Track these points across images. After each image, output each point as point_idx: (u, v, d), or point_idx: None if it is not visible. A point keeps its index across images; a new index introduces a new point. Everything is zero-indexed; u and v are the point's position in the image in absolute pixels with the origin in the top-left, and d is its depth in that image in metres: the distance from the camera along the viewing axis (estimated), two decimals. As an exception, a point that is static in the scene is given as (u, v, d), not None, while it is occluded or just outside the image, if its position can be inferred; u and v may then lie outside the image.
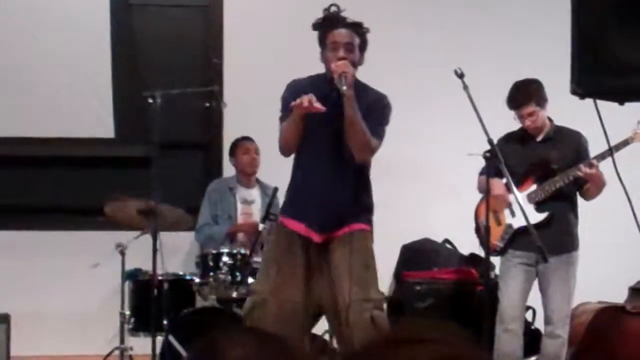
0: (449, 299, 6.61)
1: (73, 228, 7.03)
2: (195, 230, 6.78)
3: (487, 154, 5.49)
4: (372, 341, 1.42)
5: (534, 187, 5.83)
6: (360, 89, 4.89)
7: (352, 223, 4.94)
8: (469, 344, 1.37)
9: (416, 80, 7.38)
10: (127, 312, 6.17)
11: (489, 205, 5.56)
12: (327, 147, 4.86)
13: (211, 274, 6.04)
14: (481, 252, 6.09)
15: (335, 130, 4.80)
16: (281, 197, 6.48)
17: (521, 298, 5.83)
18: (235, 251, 6.13)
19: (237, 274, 6.03)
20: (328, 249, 4.91)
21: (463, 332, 1.41)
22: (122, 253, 6.24)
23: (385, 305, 7.02)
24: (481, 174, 6.03)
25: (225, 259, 6.07)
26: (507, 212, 5.94)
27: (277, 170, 6.88)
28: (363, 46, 4.95)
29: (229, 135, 7.22)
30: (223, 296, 6.06)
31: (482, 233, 5.91)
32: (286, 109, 4.93)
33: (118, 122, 7.12)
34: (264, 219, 6.23)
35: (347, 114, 4.71)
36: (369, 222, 5.07)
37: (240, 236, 6.68)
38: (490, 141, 5.43)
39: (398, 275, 7.12)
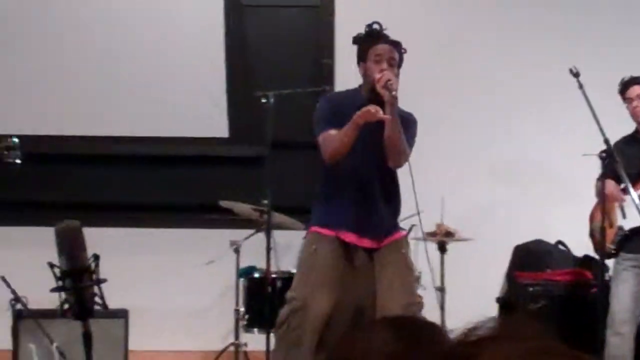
0: (562, 301, 6.53)
1: (189, 226, 7.14)
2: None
3: (603, 154, 5.42)
4: (463, 339, 1.42)
5: None
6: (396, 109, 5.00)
7: (396, 231, 5.15)
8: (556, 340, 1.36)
9: (532, 81, 7.31)
10: (242, 309, 6.25)
11: (605, 207, 5.49)
12: (365, 157, 4.99)
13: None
14: (595, 256, 6.04)
15: (372, 142, 4.93)
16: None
17: (632, 301, 5.73)
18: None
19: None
20: (374, 256, 5.04)
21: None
22: (237, 251, 6.33)
23: (497, 306, 7.03)
24: (599, 179, 5.96)
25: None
26: (619, 213, 5.85)
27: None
28: (400, 64, 5.15)
29: (340, 135, 7.23)
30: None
31: (596, 236, 5.85)
32: (327, 121, 5.03)
33: (231, 121, 7.21)
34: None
35: (390, 122, 4.85)
36: (403, 230, 5.31)
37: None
38: (606, 141, 5.37)
39: (510, 276, 7.07)
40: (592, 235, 6.00)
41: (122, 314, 5.79)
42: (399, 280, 4.99)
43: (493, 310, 7.07)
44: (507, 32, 7.43)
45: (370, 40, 5.09)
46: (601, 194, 5.59)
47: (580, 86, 5.49)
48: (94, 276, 3.53)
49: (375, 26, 5.14)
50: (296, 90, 6.48)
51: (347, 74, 7.31)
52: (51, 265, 3.48)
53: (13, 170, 7.08)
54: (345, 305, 4.95)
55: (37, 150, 7.09)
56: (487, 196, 7.24)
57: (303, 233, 6.85)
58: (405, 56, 7.26)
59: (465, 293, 6.68)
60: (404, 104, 6.92)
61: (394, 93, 4.80)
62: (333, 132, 4.94)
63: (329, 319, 4.90)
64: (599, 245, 5.83)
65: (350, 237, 5.03)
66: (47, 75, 7.23)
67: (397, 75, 5.04)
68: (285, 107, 6.45)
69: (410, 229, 6.02)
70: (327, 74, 7.34)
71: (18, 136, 6.92)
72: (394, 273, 4.99)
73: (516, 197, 6.99)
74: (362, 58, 5.11)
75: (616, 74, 6.06)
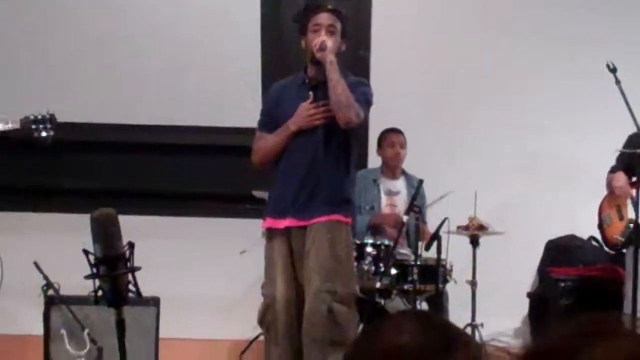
0: (593, 296, 6.50)
1: (222, 215, 7.16)
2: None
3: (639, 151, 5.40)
4: (563, 334, 1.40)
5: None
6: (343, 75, 4.97)
7: (330, 213, 4.96)
8: None
9: (564, 75, 7.28)
10: (273, 299, 6.26)
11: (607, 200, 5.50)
12: (306, 143, 4.93)
13: (355, 263, 6.07)
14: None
15: (313, 127, 4.90)
16: (427, 189, 6.53)
17: None
18: (379, 242, 6.15)
19: (381, 264, 6.06)
20: (304, 237, 4.95)
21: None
22: (269, 240, 6.33)
23: (528, 301, 6.99)
24: (610, 172, 5.95)
25: (369, 249, 6.10)
26: (630, 206, 5.80)
27: (424, 161, 6.92)
28: (345, 33, 5.09)
29: (374, 127, 7.22)
30: (366, 286, 6.07)
31: (603, 227, 5.84)
32: (263, 122, 5.08)
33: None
34: (408, 211, 6.24)
35: (330, 77, 4.82)
36: (347, 214, 5.07)
37: (387, 228, 6.68)
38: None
39: (542, 271, 7.04)
40: (600, 227, 5.98)
41: (153, 302, 5.80)
42: (317, 264, 4.88)
43: (524, 305, 7.05)
44: (537, 26, 7.40)
45: (309, 11, 5.06)
46: (609, 186, 5.63)
47: (617, 82, 5.46)
48: (129, 264, 3.54)
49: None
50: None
51: (383, 66, 7.34)
52: (86, 252, 3.49)
53: (48, 157, 7.16)
54: (296, 293, 4.94)
55: (74, 137, 7.14)
56: (520, 190, 7.21)
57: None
58: (442, 46, 7.32)
59: (497, 287, 6.68)
60: (442, 100, 6.93)
61: (321, 54, 4.81)
62: (267, 135, 4.95)
63: (299, 307, 4.87)
64: (604, 236, 5.85)
65: (277, 223, 5.01)
66: (82, 63, 7.27)
67: (340, 44, 5.03)
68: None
69: (442, 222, 6.01)
70: (363, 65, 7.33)
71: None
72: (313, 257, 4.90)
73: (549, 192, 6.96)
74: (303, 32, 5.07)
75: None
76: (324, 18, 5.00)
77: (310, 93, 5.00)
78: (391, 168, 6.89)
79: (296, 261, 4.98)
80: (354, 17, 7.51)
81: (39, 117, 4.68)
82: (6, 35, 7.30)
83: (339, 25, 5.03)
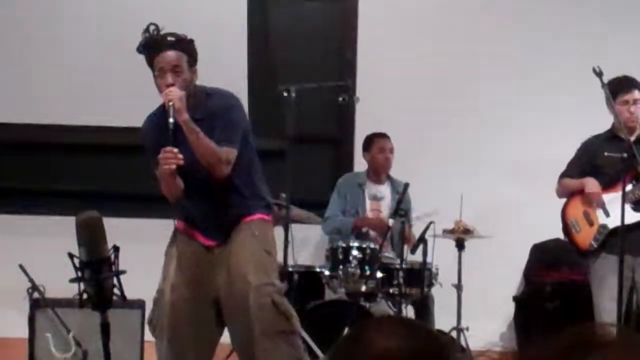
0: (578, 300, 6.50)
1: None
2: (323, 220, 6.82)
3: (625, 155, 5.42)
4: (555, 345, 1.40)
5: (629, 186, 5.68)
6: (202, 98, 4.75)
7: (250, 215, 4.84)
8: None
9: (551, 80, 7.32)
10: (258, 302, 6.25)
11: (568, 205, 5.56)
12: (192, 170, 4.64)
13: (341, 267, 6.08)
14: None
15: (194, 160, 4.63)
16: (412, 193, 6.54)
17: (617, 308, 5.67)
18: (365, 245, 6.16)
19: (367, 267, 6.07)
20: (229, 239, 4.82)
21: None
22: (255, 244, 6.32)
23: (513, 304, 7.01)
24: (562, 176, 5.97)
25: (355, 252, 6.11)
26: (600, 211, 5.81)
27: (408, 165, 6.93)
28: (193, 61, 4.72)
29: (361, 130, 7.25)
30: (352, 289, 6.10)
31: (570, 233, 5.85)
32: (151, 158, 4.71)
33: (253, 115, 7.20)
34: (393, 215, 6.26)
35: (188, 138, 4.56)
36: (267, 211, 4.95)
37: (372, 232, 6.69)
38: (628, 142, 5.38)
39: (528, 275, 7.06)
40: (566, 233, 5.96)
41: (138, 305, 5.79)
42: (250, 260, 4.72)
43: (510, 309, 7.07)
44: (524, 30, 7.43)
45: (150, 51, 4.68)
46: (566, 194, 5.81)
47: (603, 85, 5.48)
48: (114, 267, 3.53)
49: (152, 27, 4.70)
50: (318, 84, 6.47)
51: (369, 69, 7.35)
52: (71, 256, 3.49)
53: (33, 159, 7.15)
54: (202, 298, 4.79)
55: (59, 140, 7.14)
56: (506, 194, 7.23)
57: (320, 227, 6.90)
58: (426, 53, 7.33)
59: (482, 291, 6.69)
60: (427, 104, 6.94)
61: (170, 120, 4.49)
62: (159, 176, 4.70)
63: (185, 310, 4.75)
64: (571, 242, 5.86)
65: (200, 239, 4.88)
66: (69, 66, 7.25)
67: (191, 77, 4.70)
68: (307, 101, 6.45)
69: (428, 225, 6.03)
70: (349, 68, 7.34)
71: (36, 125, 7.00)
72: (244, 255, 4.73)
73: (535, 195, 6.97)
74: (151, 69, 4.72)
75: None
76: (165, 60, 4.62)
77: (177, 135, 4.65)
78: (378, 173, 6.89)
79: (206, 267, 4.86)
80: (339, 20, 7.56)
81: None
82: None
83: (184, 59, 4.65)
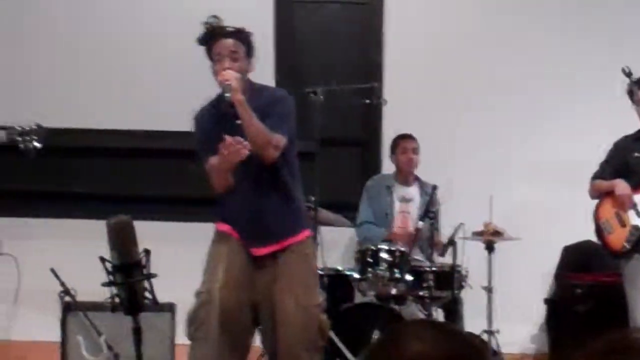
0: (610, 303, 6.46)
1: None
2: (356, 226, 6.82)
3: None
4: (593, 349, 1.39)
5: None
6: (257, 91, 4.83)
7: (299, 232, 4.88)
8: None
9: (580, 79, 7.28)
10: (288, 305, 6.25)
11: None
12: (247, 171, 4.71)
13: (370, 269, 6.06)
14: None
15: (250, 154, 4.63)
16: (440, 196, 6.52)
17: None
18: (394, 248, 6.14)
19: (396, 270, 6.04)
20: (276, 257, 4.83)
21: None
22: (284, 247, 6.32)
23: (545, 307, 6.98)
24: (593, 178, 5.94)
25: (384, 255, 6.08)
26: (632, 212, 5.78)
27: (437, 167, 6.91)
28: (250, 52, 4.86)
29: (388, 132, 7.24)
30: (382, 292, 6.07)
31: (603, 235, 5.81)
32: (202, 150, 4.83)
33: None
34: (422, 217, 6.24)
35: (241, 118, 4.60)
36: (308, 226, 5.03)
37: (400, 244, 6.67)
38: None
39: (559, 277, 7.03)
40: (599, 234, 5.93)
41: (169, 308, 5.81)
42: (299, 282, 4.79)
43: (541, 311, 7.04)
44: (550, 30, 7.40)
45: (209, 39, 4.83)
46: (598, 196, 5.75)
47: (633, 85, 5.47)
48: (145, 271, 3.55)
49: (211, 20, 4.87)
50: (345, 86, 6.47)
51: (396, 70, 7.34)
52: (102, 260, 3.51)
53: (64, 163, 7.19)
54: (246, 301, 4.80)
55: (91, 143, 7.17)
56: (536, 195, 7.20)
57: (350, 230, 6.90)
58: (455, 51, 7.31)
59: (513, 293, 6.67)
60: (455, 105, 6.92)
61: (227, 95, 4.58)
62: (213, 160, 4.73)
63: (237, 313, 4.77)
64: (604, 243, 5.82)
65: (245, 244, 4.85)
66: (97, 69, 7.29)
67: (248, 67, 4.83)
68: (334, 103, 6.45)
69: (457, 228, 6.01)
70: (376, 70, 7.34)
71: (69, 129, 7.03)
72: (295, 276, 4.79)
73: (566, 196, 6.94)
74: (210, 58, 4.85)
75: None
76: (224, 46, 4.77)
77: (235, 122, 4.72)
78: (404, 174, 6.88)
79: (250, 272, 4.86)
80: (366, 22, 7.56)
81: (26, 128, 4.69)
82: (10, 41, 7.33)
83: (242, 48, 4.80)
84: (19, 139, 4.65)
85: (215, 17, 4.87)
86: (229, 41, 4.78)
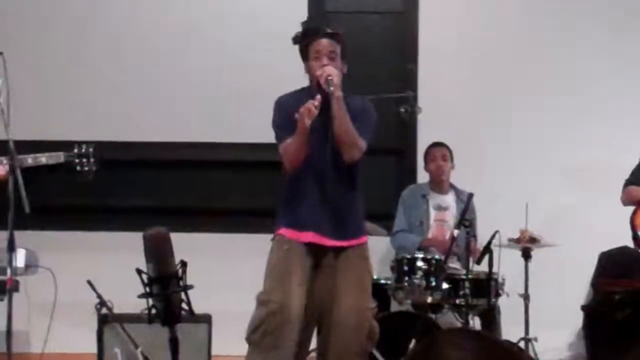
0: (649, 310, 6.42)
1: (271, 231, 7.16)
2: (392, 235, 6.82)
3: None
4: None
5: None
6: (347, 98, 4.87)
7: (361, 235, 4.98)
8: None
9: (614, 84, 7.26)
10: (324, 315, 6.24)
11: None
12: (321, 156, 4.84)
13: (406, 278, 6.04)
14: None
15: (327, 139, 4.81)
16: (477, 203, 6.49)
17: None
18: (430, 257, 6.12)
19: (432, 279, 6.02)
20: (339, 256, 4.89)
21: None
22: (319, 257, 6.31)
23: (582, 314, 6.93)
24: (626, 184, 5.90)
25: (420, 264, 6.06)
26: None
27: (472, 175, 6.89)
28: (344, 54, 5.00)
29: (423, 141, 7.23)
30: (418, 301, 6.06)
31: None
32: (283, 129, 4.88)
33: (314, 127, 7.23)
34: (458, 225, 6.22)
35: (336, 114, 4.71)
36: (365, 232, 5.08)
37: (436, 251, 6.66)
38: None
39: (596, 284, 6.97)
40: (636, 241, 5.90)
41: (205, 319, 5.83)
42: (356, 284, 4.85)
43: (578, 318, 6.99)
44: (585, 39, 7.38)
45: (308, 37, 4.96)
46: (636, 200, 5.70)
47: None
48: (181, 282, 3.56)
49: (311, 22, 5.08)
50: (380, 95, 6.46)
51: (430, 79, 7.33)
52: (139, 272, 3.52)
53: (100, 176, 7.21)
54: (313, 317, 4.85)
55: (127, 156, 7.20)
56: (572, 202, 7.17)
57: (386, 239, 6.88)
58: (490, 59, 7.29)
59: (550, 300, 6.63)
60: (490, 113, 6.90)
61: (331, 89, 4.68)
62: (289, 140, 4.82)
63: (308, 331, 4.87)
64: None
65: (313, 238, 4.89)
66: (131, 83, 7.34)
67: (342, 67, 4.96)
68: (369, 112, 6.44)
69: (494, 235, 5.97)
70: (410, 79, 7.33)
71: (104, 143, 7.06)
72: (353, 276, 4.86)
73: (601, 202, 6.90)
74: (304, 57, 5.00)
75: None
76: (323, 45, 4.92)
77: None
78: (438, 182, 6.87)
79: (313, 275, 4.91)
80: (400, 31, 7.55)
81: (82, 151, 4.73)
82: (56, 55, 7.39)
83: (338, 49, 4.96)
84: (77, 160, 4.69)
85: (313, 19, 5.14)
86: (327, 41, 4.92)
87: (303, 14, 7.26)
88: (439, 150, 6.86)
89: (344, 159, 4.80)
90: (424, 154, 6.99)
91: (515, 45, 7.40)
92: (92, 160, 4.78)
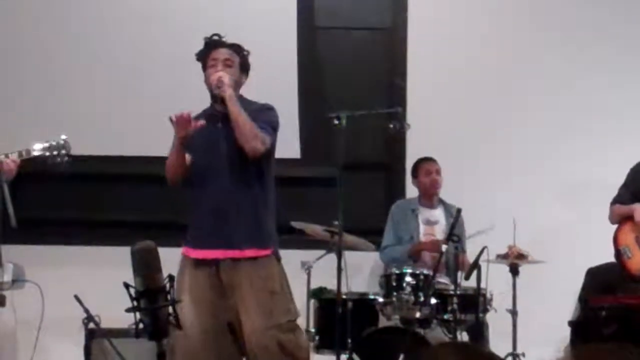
0: (636, 325, 6.42)
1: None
2: (380, 250, 6.83)
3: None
4: None
5: None
6: (247, 102, 5.06)
7: (258, 248, 4.95)
8: None
9: (604, 101, 7.29)
10: (312, 330, 6.25)
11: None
12: (221, 170, 4.95)
13: (394, 293, 6.06)
14: None
15: (228, 153, 4.93)
16: (465, 218, 6.50)
17: None
18: (418, 272, 6.13)
19: (420, 294, 6.03)
20: (235, 271, 4.90)
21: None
22: (308, 272, 6.32)
23: (569, 330, 6.93)
24: (613, 202, 5.92)
25: (408, 279, 6.08)
26: None
27: (461, 190, 6.91)
28: (244, 66, 5.17)
29: (411, 156, 7.25)
30: (406, 316, 6.06)
31: (622, 259, 5.78)
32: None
33: (303, 142, 7.23)
34: (447, 240, 6.22)
35: (230, 110, 4.88)
36: (274, 246, 5.05)
37: (425, 255, 6.68)
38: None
39: (583, 300, 6.98)
40: (618, 258, 5.92)
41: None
42: (255, 302, 4.85)
43: (566, 333, 6.99)
44: (576, 53, 7.41)
45: (207, 49, 5.13)
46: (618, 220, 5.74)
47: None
48: (169, 296, 3.55)
49: (215, 37, 5.17)
50: (368, 111, 6.47)
51: (419, 95, 7.35)
52: (127, 286, 3.51)
53: (87, 190, 7.21)
54: (218, 326, 4.84)
55: (114, 170, 7.19)
56: (560, 218, 7.19)
57: (374, 254, 6.89)
58: (477, 75, 7.32)
59: (538, 316, 6.64)
60: (478, 129, 6.90)
61: (219, 90, 4.88)
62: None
63: (205, 341, 4.84)
64: (625, 268, 5.80)
65: (204, 254, 4.94)
66: (124, 95, 7.33)
67: (240, 76, 5.11)
68: (357, 128, 6.45)
69: (482, 251, 5.98)
70: (399, 95, 7.35)
71: (92, 157, 7.05)
72: (250, 295, 4.86)
73: (589, 219, 6.92)
74: (204, 68, 5.13)
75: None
76: (220, 53, 5.08)
77: (219, 124, 5.02)
78: (429, 197, 6.89)
79: (220, 294, 4.93)
80: (389, 48, 7.58)
81: (54, 143, 4.74)
82: (40, 68, 7.37)
83: (237, 59, 5.11)
84: (47, 154, 4.68)
85: (217, 35, 5.16)
86: (225, 50, 5.10)
87: (292, 31, 7.30)
88: (433, 165, 6.90)
89: (247, 153, 4.88)
90: (413, 168, 7.01)
91: (503, 61, 7.43)
92: (63, 152, 4.75)
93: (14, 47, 7.22)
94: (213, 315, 4.89)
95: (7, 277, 5.93)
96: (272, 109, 5.14)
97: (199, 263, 4.98)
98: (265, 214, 5.03)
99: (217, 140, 4.97)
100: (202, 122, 4.90)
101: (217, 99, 4.96)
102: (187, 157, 5.07)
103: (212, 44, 5.12)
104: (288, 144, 7.11)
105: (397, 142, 7.38)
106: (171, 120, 4.85)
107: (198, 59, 5.15)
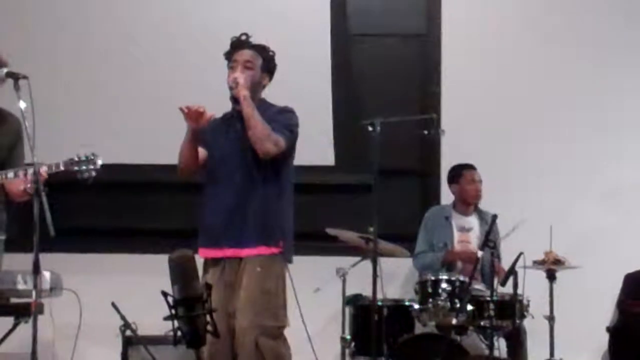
0: (675, 331, 6.40)
1: (296, 253, 7.16)
2: (413, 257, 6.81)
3: None
4: None
5: None
6: (266, 106, 5.06)
7: (261, 245, 4.91)
8: None
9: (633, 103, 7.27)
10: (348, 337, 6.24)
11: None
12: (235, 169, 4.95)
13: (430, 300, 6.03)
14: None
15: (242, 154, 4.93)
16: (501, 224, 6.47)
17: None
18: (454, 278, 6.11)
19: (456, 300, 6.01)
20: (240, 270, 4.88)
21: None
22: (343, 278, 6.32)
23: (607, 335, 6.89)
24: None
25: (444, 285, 6.06)
26: None
27: (495, 197, 6.87)
28: (267, 67, 5.16)
29: (446, 163, 7.22)
30: (442, 322, 6.04)
31: None
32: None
33: (338, 150, 7.23)
34: (482, 246, 6.20)
35: (243, 111, 4.88)
36: (281, 245, 4.99)
37: (458, 264, 6.66)
38: None
39: (621, 305, 6.95)
40: None
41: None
42: (246, 299, 4.81)
43: (604, 339, 6.96)
44: (614, 56, 7.37)
45: (232, 49, 5.15)
46: None
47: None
48: (206, 305, 3.57)
49: (242, 37, 5.17)
50: (403, 118, 6.46)
51: (453, 101, 7.33)
52: (164, 294, 3.53)
53: (126, 199, 7.24)
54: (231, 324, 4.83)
55: (152, 179, 7.21)
56: (596, 223, 7.14)
57: (409, 261, 6.88)
58: (510, 82, 7.29)
59: (575, 322, 6.60)
60: (513, 134, 6.88)
61: (234, 91, 4.90)
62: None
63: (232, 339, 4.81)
64: None
65: (214, 253, 4.94)
66: (160, 103, 7.34)
67: (261, 77, 5.12)
68: (392, 135, 6.44)
69: (518, 257, 5.96)
70: (434, 101, 7.33)
71: (129, 165, 7.10)
72: (245, 291, 4.82)
73: (626, 224, 6.89)
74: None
75: None
76: (242, 54, 5.08)
77: (238, 125, 5.02)
78: (467, 204, 6.87)
79: (231, 292, 4.90)
80: (423, 54, 7.56)
81: (82, 158, 4.77)
82: (81, 79, 7.41)
83: (259, 61, 5.10)
84: (76, 168, 4.71)
85: (245, 34, 5.16)
86: (247, 51, 5.10)
87: (326, 38, 7.30)
88: (475, 174, 6.88)
89: (259, 153, 4.87)
90: (452, 174, 6.97)
91: (540, 64, 7.40)
92: (91, 167, 4.78)
93: (43, 60, 7.25)
94: (228, 315, 4.86)
95: (45, 285, 5.97)
96: (291, 112, 5.12)
97: (210, 263, 4.98)
98: (276, 215, 4.99)
99: (233, 140, 5.00)
100: (212, 113, 4.91)
101: (233, 100, 5.00)
102: (203, 152, 5.09)
103: (236, 45, 5.14)
104: (322, 151, 7.14)
105: (431, 148, 7.36)
106: (182, 110, 4.82)
107: (226, 59, 5.17)
